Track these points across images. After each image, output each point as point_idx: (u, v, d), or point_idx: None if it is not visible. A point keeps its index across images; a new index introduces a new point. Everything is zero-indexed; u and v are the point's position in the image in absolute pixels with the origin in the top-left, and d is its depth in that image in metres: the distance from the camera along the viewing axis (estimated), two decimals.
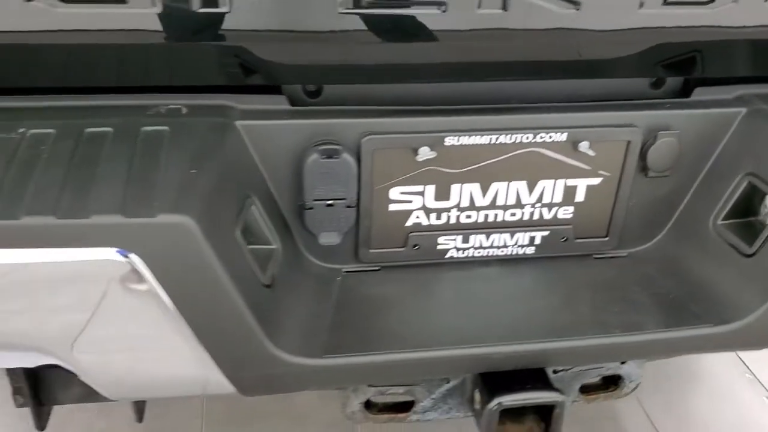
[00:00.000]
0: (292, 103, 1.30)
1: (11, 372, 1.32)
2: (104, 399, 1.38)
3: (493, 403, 1.31)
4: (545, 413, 1.40)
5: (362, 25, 1.17)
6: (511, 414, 1.39)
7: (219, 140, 1.18)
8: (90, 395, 1.37)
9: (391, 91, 1.34)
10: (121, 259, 1.02)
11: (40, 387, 1.35)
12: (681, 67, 1.38)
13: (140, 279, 1.05)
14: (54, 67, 1.18)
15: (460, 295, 1.41)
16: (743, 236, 1.38)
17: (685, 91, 1.44)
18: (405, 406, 1.47)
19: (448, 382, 1.44)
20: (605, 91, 1.41)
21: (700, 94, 1.42)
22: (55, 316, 1.08)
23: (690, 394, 2.69)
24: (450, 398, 1.46)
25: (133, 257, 1.03)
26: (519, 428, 1.41)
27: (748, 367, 2.81)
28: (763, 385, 2.73)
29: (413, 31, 1.19)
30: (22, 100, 1.20)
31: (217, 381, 1.20)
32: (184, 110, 1.23)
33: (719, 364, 2.82)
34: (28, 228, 0.99)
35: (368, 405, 1.46)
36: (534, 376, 1.36)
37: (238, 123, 1.24)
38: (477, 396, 1.39)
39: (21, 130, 1.14)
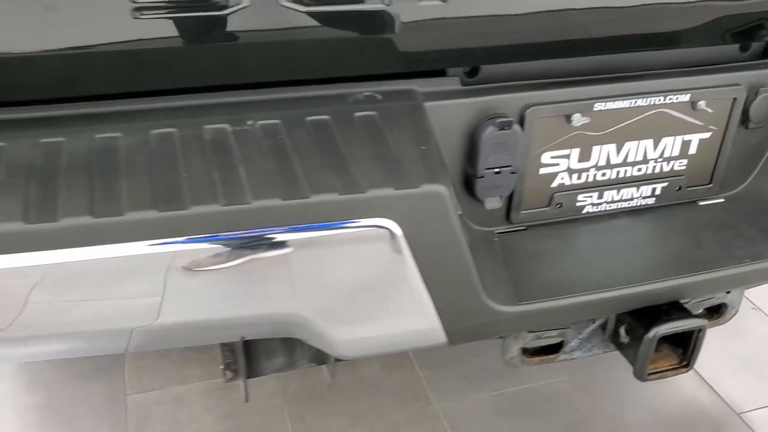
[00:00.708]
0: (462, 84, 1.44)
1: (225, 348, 1.42)
2: (301, 366, 1.51)
3: (651, 333, 1.50)
4: (678, 341, 1.61)
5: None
6: None
7: (424, 120, 1.32)
8: (290, 364, 1.48)
9: (539, 65, 1.50)
10: (389, 226, 1.16)
11: (248, 361, 1.45)
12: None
13: (397, 244, 1.18)
14: (280, 62, 1.29)
15: (600, 245, 1.60)
16: None
17: (766, 53, 1.67)
18: (554, 348, 1.65)
19: (593, 323, 1.63)
20: (708, 57, 1.62)
21: None
22: (323, 286, 1.20)
23: (708, 330, 2.97)
24: (593, 338, 1.65)
25: (394, 224, 1.17)
26: (658, 355, 1.61)
27: (751, 301, 3.12)
28: (766, 315, 3.05)
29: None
30: (250, 94, 1.30)
31: (434, 332, 1.34)
32: (379, 96, 1.36)
33: None
34: (314, 205, 1.12)
35: (523, 350, 1.63)
36: (675, 308, 1.56)
37: (426, 104, 1.38)
38: (623, 332, 1.59)
39: (249, 122, 1.25)
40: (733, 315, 1.76)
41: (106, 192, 1.08)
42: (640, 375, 1.55)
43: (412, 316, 1.30)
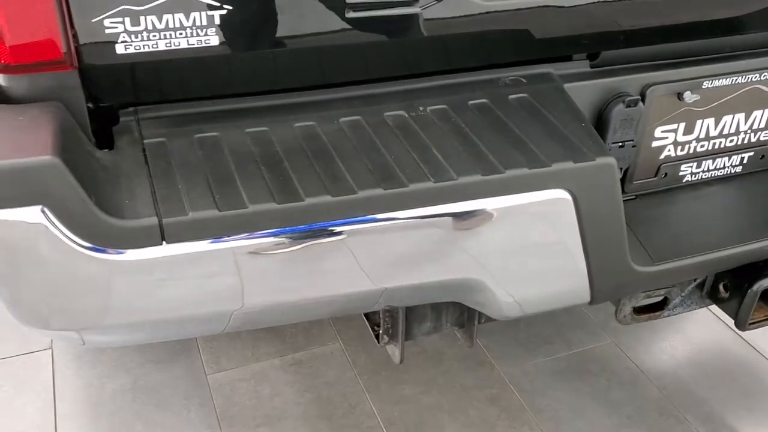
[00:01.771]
0: (591, 66, 1.59)
1: (386, 314, 1.55)
2: (444, 330, 1.64)
3: (756, 286, 1.67)
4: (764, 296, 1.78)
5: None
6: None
7: (570, 99, 1.46)
8: (436, 328, 1.62)
9: (654, 49, 1.65)
10: (563, 196, 1.30)
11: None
12: None
13: (567, 212, 1.33)
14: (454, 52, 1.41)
15: (701, 210, 1.76)
16: None
17: None
18: (659, 306, 1.81)
19: (694, 281, 1.80)
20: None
21: None
22: (500, 253, 1.34)
23: None
24: (692, 295, 1.82)
25: (566, 194, 1.31)
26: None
27: None
28: None
29: None
30: (408, 83, 1.43)
31: (582, 292, 1.49)
32: (524, 80, 1.50)
33: None
34: (508, 179, 1.25)
35: (634, 309, 1.79)
36: None
37: (566, 86, 1.52)
38: (721, 288, 1.76)
39: (421, 109, 1.38)
40: None
41: (330, 174, 1.19)
42: (742, 324, 1.72)
43: (566, 278, 1.44)
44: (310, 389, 2.64)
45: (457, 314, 1.62)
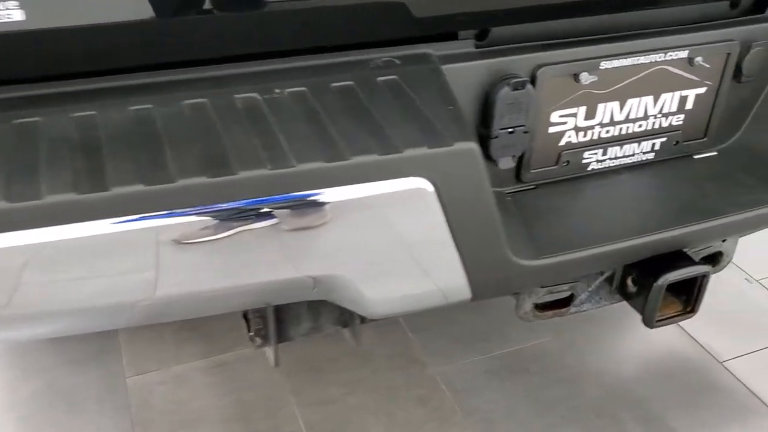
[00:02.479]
0: (475, 46, 1.48)
1: (255, 315, 1.44)
2: (326, 330, 1.53)
3: (660, 280, 1.56)
4: (683, 288, 1.68)
5: None
6: None
7: (444, 82, 1.35)
8: (315, 328, 1.51)
9: (547, 26, 1.54)
10: (422, 185, 1.19)
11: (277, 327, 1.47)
12: None
13: (429, 202, 1.22)
14: (301, 29, 1.30)
15: (607, 199, 1.66)
16: None
17: (756, 7, 1.73)
18: (565, 302, 1.71)
19: (602, 276, 1.69)
20: (699, 15, 1.68)
21: None
22: (358, 247, 1.23)
23: None
24: (601, 290, 1.71)
25: (426, 182, 1.20)
26: (663, 304, 1.68)
27: None
28: (740, 268, 3.17)
29: None
30: (271, 64, 1.31)
31: (460, 289, 1.38)
32: (398, 61, 1.39)
33: None
34: (354, 166, 1.14)
35: (536, 305, 1.69)
36: (680, 257, 1.63)
37: (444, 67, 1.41)
38: (629, 282, 1.65)
39: (277, 91, 1.27)
40: (728, 262, 1.84)
41: (152, 162, 1.08)
42: (649, 322, 1.62)
43: (441, 273, 1.34)
44: (232, 392, 2.53)
45: (336, 313, 1.52)
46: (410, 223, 1.23)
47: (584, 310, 1.73)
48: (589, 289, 1.69)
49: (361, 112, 1.23)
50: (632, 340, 2.78)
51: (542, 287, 1.64)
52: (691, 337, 2.80)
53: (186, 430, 2.39)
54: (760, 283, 3.09)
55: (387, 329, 2.78)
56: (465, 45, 1.46)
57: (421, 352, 2.70)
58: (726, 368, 2.68)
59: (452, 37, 1.48)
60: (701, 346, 2.77)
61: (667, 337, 2.80)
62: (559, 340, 2.75)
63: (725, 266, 1.85)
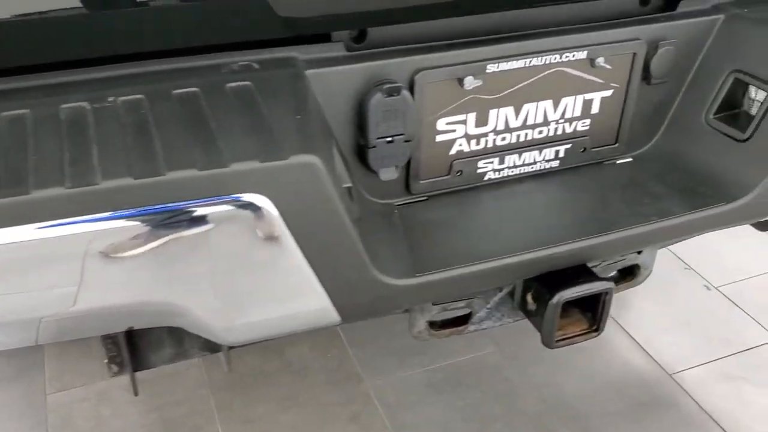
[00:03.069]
0: (348, 49, 1.37)
1: (107, 340, 1.34)
2: (192, 356, 1.44)
3: (556, 298, 1.46)
4: (588, 305, 1.57)
5: None
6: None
7: (303, 88, 1.25)
8: (179, 354, 1.42)
9: (431, 27, 1.44)
10: (260, 202, 1.09)
11: (132, 353, 1.38)
12: None
13: (271, 220, 1.12)
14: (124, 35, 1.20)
15: (503, 211, 1.55)
16: (735, 125, 1.59)
17: (668, 5, 1.62)
18: (463, 320, 1.60)
19: (500, 291, 1.59)
20: (605, 12, 1.57)
21: (684, 6, 1.61)
22: (194, 271, 1.13)
23: (643, 293, 2.97)
24: (501, 306, 1.61)
25: (265, 200, 1.10)
26: (567, 321, 1.57)
27: (684, 261, 3.13)
28: (700, 275, 3.05)
29: None
30: (100, 71, 1.22)
31: (325, 312, 1.28)
32: (256, 65, 1.29)
33: (660, 263, 3.11)
34: (171, 183, 1.04)
35: (431, 323, 1.58)
36: (581, 272, 1.52)
37: (308, 72, 1.31)
38: (530, 299, 1.55)
39: (111, 99, 1.17)
40: (647, 276, 1.74)
41: None
42: (548, 342, 1.52)
43: (299, 297, 1.24)
44: (156, 409, 2.44)
45: (202, 339, 1.41)
46: (252, 244, 1.13)
47: (485, 328, 1.63)
48: (488, 305, 1.59)
49: (197, 123, 1.14)
50: (577, 351, 2.65)
51: (435, 304, 1.54)
52: (641, 347, 2.69)
53: None
54: (719, 291, 2.98)
55: (325, 344, 2.68)
56: (335, 48, 1.36)
57: (358, 367, 2.60)
58: (675, 381, 2.57)
59: (326, 39, 1.38)
60: (651, 356, 2.66)
61: (615, 347, 2.69)
62: (500, 353, 2.64)
63: (643, 280, 1.75)
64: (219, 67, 1.27)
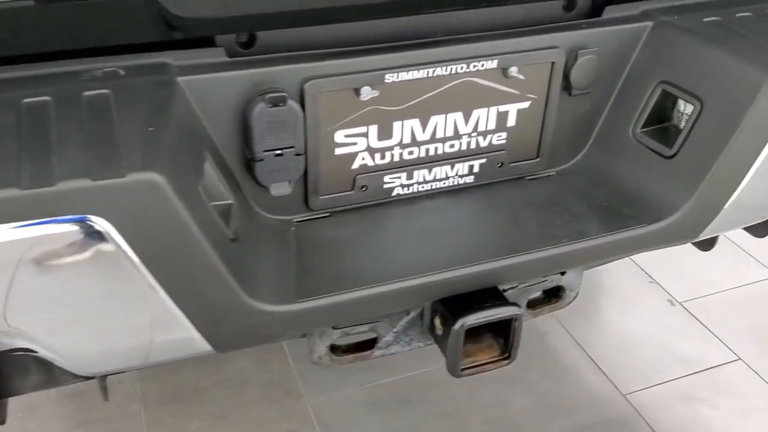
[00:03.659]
0: (230, 55, 1.28)
1: None
2: (65, 382, 1.34)
3: (458, 324, 1.36)
4: (501, 330, 1.47)
5: None
6: (470, 335, 1.45)
7: (166, 97, 1.15)
8: (50, 381, 1.32)
9: (326, 33, 1.34)
10: (98, 224, 0.99)
11: None
12: None
13: (109, 243, 1.02)
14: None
15: (411, 229, 1.45)
16: (662, 140, 1.48)
17: (594, 10, 1.52)
18: (368, 344, 1.50)
19: (408, 314, 1.48)
20: (524, 18, 1.47)
21: (609, 12, 1.50)
22: (34, 299, 1.04)
23: (602, 306, 2.88)
24: (410, 330, 1.51)
25: (102, 221, 1.00)
26: (479, 347, 1.47)
27: (649, 274, 3.03)
28: (664, 289, 2.95)
29: None
30: None
31: (193, 341, 1.19)
32: (122, 72, 1.19)
33: (624, 275, 3.02)
34: None
35: (332, 348, 1.48)
36: (490, 295, 1.42)
37: (180, 79, 1.21)
38: (437, 323, 1.45)
39: None
40: (574, 298, 1.63)
41: None
42: (453, 370, 1.42)
43: (158, 325, 1.14)
44: (84, 424, 2.35)
45: None
46: (91, 269, 1.04)
47: (393, 353, 1.52)
48: (395, 329, 1.49)
49: (37, 135, 1.04)
50: (529, 368, 2.56)
51: (335, 328, 1.44)
52: (595, 363, 2.59)
53: None
54: (684, 306, 2.87)
55: (267, 358, 2.58)
56: (215, 54, 1.26)
57: (299, 382, 2.50)
58: (629, 401, 2.46)
59: (210, 43, 1.28)
60: (605, 374, 2.55)
61: (568, 364, 2.59)
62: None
63: (570, 302, 1.64)
64: (80, 73, 1.17)
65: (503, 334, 1.47)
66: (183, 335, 1.17)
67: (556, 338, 2.69)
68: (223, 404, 2.41)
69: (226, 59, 1.27)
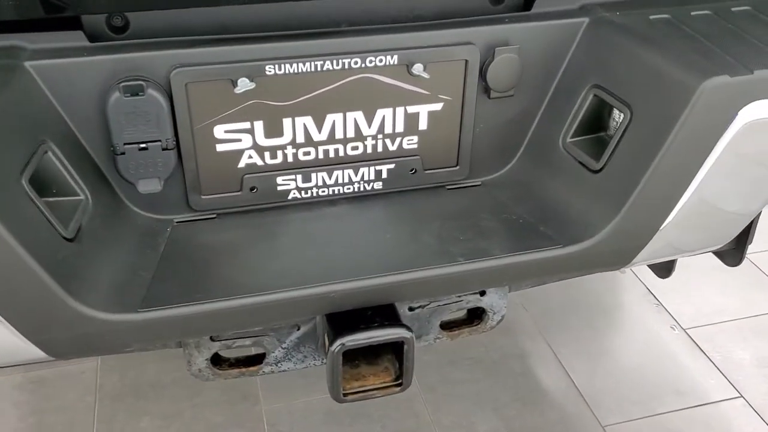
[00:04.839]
0: (94, 39, 1.18)
1: None
2: None
3: (336, 345, 1.23)
4: (400, 352, 1.34)
5: None
6: (365, 355, 1.33)
7: (14, 83, 1.06)
8: None
9: (205, 19, 1.23)
10: None
11: None
12: None
13: None
14: None
15: (303, 237, 1.33)
16: (592, 152, 1.32)
17: (527, 4, 1.36)
18: (256, 359, 1.39)
19: (298, 329, 1.36)
20: (443, 10, 1.33)
21: (541, 6, 1.34)
22: None
23: (599, 327, 2.68)
24: (303, 346, 1.39)
25: None
26: (374, 369, 1.34)
27: (655, 296, 2.81)
28: (670, 314, 2.73)
29: None
30: None
31: (22, 346, 1.10)
32: None
33: (629, 295, 2.82)
34: None
35: (216, 361, 1.38)
36: (382, 314, 1.29)
37: (28, 64, 1.12)
38: (326, 340, 1.32)
39: None
40: (499, 321, 1.48)
41: None
42: (334, 394, 1.29)
43: None
44: (38, 412, 2.32)
45: None
46: None
47: (284, 370, 1.40)
48: (284, 345, 1.37)
49: None
50: (505, 388, 2.40)
51: (214, 340, 1.33)
52: (578, 389, 2.41)
53: None
54: (687, 333, 2.65)
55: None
56: (73, 38, 1.17)
57: (260, 387, 2.41)
58: None
59: (76, 26, 1.19)
60: (586, 402, 2.37)
61: (549, 388, 2.41)
62: (419, 383, 2.40)
63: (495, 325, 1.49)
64: None
65: (400, 357, 1.33)
66: (7, 340, 1.08)
67: (538, 358, 2.52)
68: (178, 403, 2.34)
69: (86, 44, 1.17)
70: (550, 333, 2.63)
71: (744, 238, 1.59)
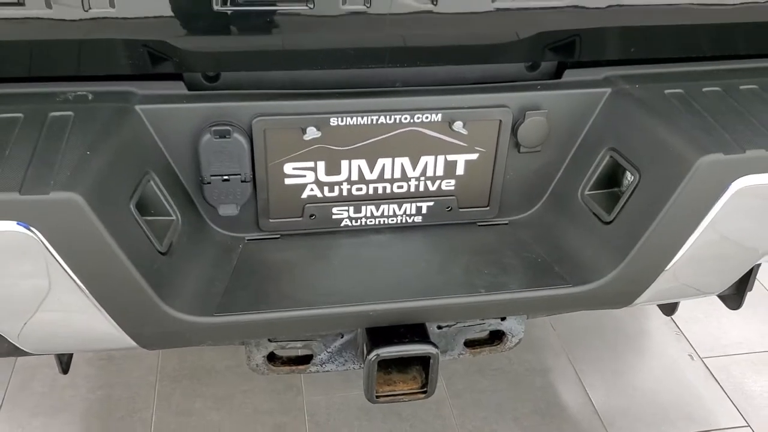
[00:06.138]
0: (191, 88, 1.44)
1: None
2: (22, 354, 1.54)
3: (372, 354, 1.47)
4: (427, 364, 1.57)
5: (238, 20, 1.31)
6: (397, 364, 1.56)
7: (116, 123, 1.32)
8: (10, 352, 1.52)
9: (282, 76, 1.48)
10: (25, 232, 1.17)
11: None
12: (553, 51, 1.51)
13: (40, 248, 1.20)
14: None
15: (351, 260, 1.57)
16: (605, 205, 1.52)
17: (558, 73, 1.58)
18: (305, 359, 1.64)
19: (342, 337, 1.60)
20: (483, 74, 1.55)
21: (570, 75, 1.55)
22: None
23: (619, 351, 2.86)
24: (345, 352, 1.63)
25: (28, 229, 1.18)
26: (404, 377, 1.57)
27: (677, 325, 2.98)
28: (689, 342, 2.90)
29: (285, 23, 1.33)
30: None
31: (117, 337, 1.36)
32: (90, 96, 1.37)
33: (651, 322, 2.99)
34: None
35: (271, 358, 1.62)
36: (413, 331, 1.52)
37: (138, 107, 1.38)
38: (365, 349, 1.56)
39: None
40: (516, 343, 1.69)
41: None
42: (368, 395, 1.52)
43: (87, 320, 1.32)
44: (105, 386, 2.61)
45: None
46: (23, 266, 1.22)
47: (328, 371, 1.65)
48: (328, 350, 1.61)
49: None
50: (526, 400, 2.61)
51: (271, 341, 1.58)
52: (594, 407, 2.60)
53: (48, 416, 2.48)
54: (704, 361, 2.82)
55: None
56: (174, 87, 1.42)
57: (302, 380, 2.66)
58: None
59: (178, 77, 1.45)
60: (600, 419, 2.56)
61: (565, 404, 2.61)
62: (446, 388, 2.63)
63: (513, 346, 1.71)
64: (56, 95, 1.37)
65: (426, 369, 1.56)
66: (105, 330, 1.34)
67: (560, 374, 2.72)
68: (229, 389, 2.61)
69: (185, 92, 1.43)
70: (573, 352, 2.82)
71: (744, 284, 1.78)
